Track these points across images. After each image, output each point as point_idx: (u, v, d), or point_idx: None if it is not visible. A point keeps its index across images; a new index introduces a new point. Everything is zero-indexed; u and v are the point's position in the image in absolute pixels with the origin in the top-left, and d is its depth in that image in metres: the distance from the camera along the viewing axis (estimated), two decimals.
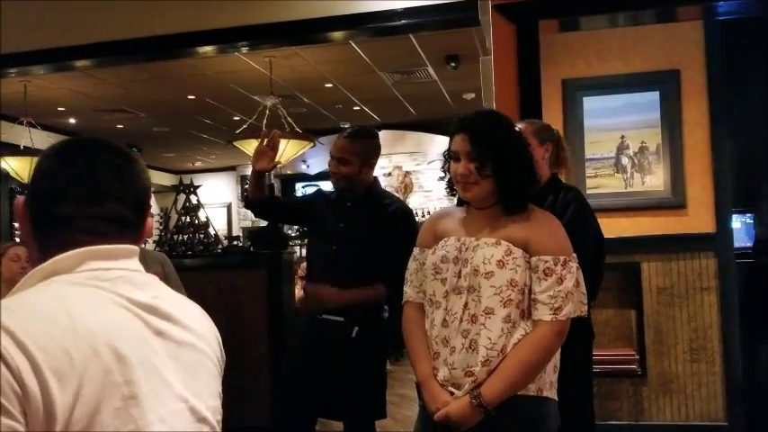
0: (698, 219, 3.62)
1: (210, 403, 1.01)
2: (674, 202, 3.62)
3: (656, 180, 3.66)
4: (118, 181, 1.02)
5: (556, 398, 1.79)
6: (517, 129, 1.90)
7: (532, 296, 1.72)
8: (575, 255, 1.75)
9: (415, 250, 1.94)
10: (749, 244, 4.21)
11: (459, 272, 1.75)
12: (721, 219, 3.61)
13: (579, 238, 2.05)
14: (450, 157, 1.83)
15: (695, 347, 3.62)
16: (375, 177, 2.77)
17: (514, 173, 1.75)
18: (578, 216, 2.29)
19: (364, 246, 2.57)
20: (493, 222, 1.80)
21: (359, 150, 2.62)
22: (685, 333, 3.63)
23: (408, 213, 2.71)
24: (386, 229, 2.58)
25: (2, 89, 4.84)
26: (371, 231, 2.58)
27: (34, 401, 0.79)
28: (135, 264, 1.01)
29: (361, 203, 2.68)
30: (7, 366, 0.78)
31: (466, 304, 1.72)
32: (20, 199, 1.11)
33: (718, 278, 3.59)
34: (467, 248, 1.77)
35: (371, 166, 2.70)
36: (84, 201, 0.99)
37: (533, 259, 1.72)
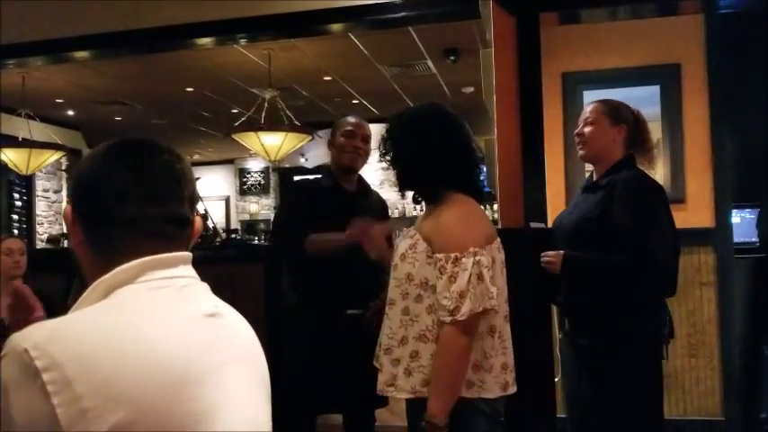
0: (697, 214, 3.61)
1: (269, 419, 1.00)
2: (674, 196, 3.60)
3: (655, 174, 3.64)
4: (173, 180, 0.99)
5: (483, 396, 1.74)
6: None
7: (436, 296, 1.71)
8: (473, 249, 1.68)
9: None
10: (752, 239, 4.20)
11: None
12: (721, 214, 3.60)
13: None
14: None
15: (693, 342, 3.62)
16: None
17: (399, 166, 1.85)
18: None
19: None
20: (425, 213, 1.85)
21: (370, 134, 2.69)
22: (684, 328, 3.63)
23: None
24: (383, 215, 2.67)
25: (0, 81, 4.82)
26: (379, 217, 2.59)
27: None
28: (191, 270, 0.99)
29: (360, 190, 2.71)
30: (47, 397, 0.75)
31: (389, 296, 1.81)
32: (68, 207, 1.10)
33: (717, 273, 3.59)
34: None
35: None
36: (146, 201, 0.96)
37: (435, 256, 1.72)
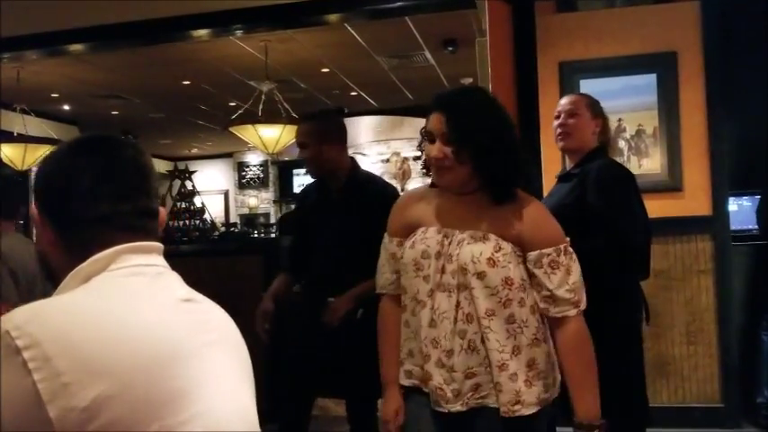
0: (694, 201, 3.61)
1: (253, 400, 1.04)
2: (671, 184, 3.61)
3: (652, 163, 3.65)
4: (141, 174, 1.03)
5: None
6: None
7: (544, 293, 1.60)
8: (568, 238, 1.66)
9: (385, 238, 1.78)
10: (750, 226, 4.20)
11: (443, 267, 1.60)
12: (718, 201, 3.61)
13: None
14: (425, 136, 1.66)
15: (692, 330, 3.63)
16: (353, 160, 2.66)
17: (497, 161, 1.58)
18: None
19: (358, 236, 2.45)
20: (477, 212, 1.63)
21: (313, 131, 2.54)
22: (682, 316, 3.64)
23: (395, 195, 2.53)
24: (377, 214, 2.47)
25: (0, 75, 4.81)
26: (363, 220, 2.44)
27: (61, 408, 0.79)
28: (164, 260, 1.03)
29: (346, 191, 2.59)
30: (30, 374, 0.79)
31: (458, 303, 1.59)
32: (33, 208, 1.09)
33: (715, 261, 3.60)
34: (450, 242, 1.62)
35: (336, 147, 2.57)
36: (117, 198, 0.99)
37: (533, 254, 1.59)
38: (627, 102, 3.65)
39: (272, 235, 10.41)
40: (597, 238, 2.19)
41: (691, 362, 3.64)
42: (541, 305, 1.62)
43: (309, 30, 5.45)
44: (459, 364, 1.58)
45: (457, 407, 1.60)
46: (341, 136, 2.60)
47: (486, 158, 1.56)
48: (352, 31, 5.79)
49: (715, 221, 3.60)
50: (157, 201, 1.07)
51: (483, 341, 1.58)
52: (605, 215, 2.18)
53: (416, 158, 1.94)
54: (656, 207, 3.62)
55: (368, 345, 1.89)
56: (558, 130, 2.42)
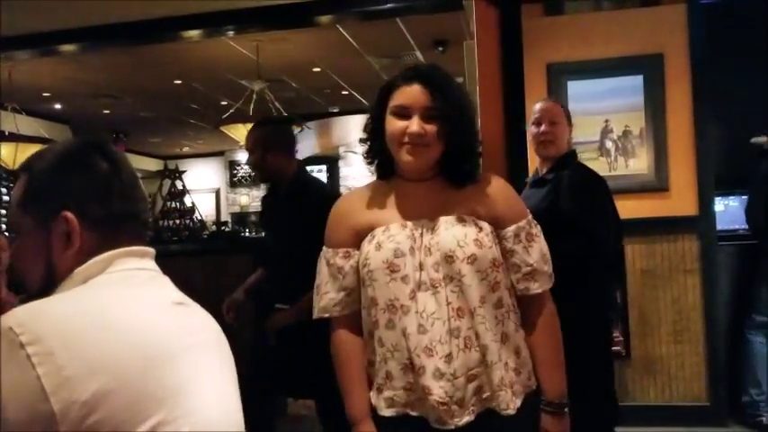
0: (681, 201, 3.66)
1: (238, 398, 1.08)
2: (658, 185, 3.66)
3: (639, 163, 3.69)
4: (136, 177, 1.08)
5: None
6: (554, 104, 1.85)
7: (525, 269, 1.49)
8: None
9: (327, 252, 1.55)
10: (736, 226, 4.25)
11: (421, 263, 1.43)
12: (704, 201, 3.65)
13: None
14: (388, 113, 1.47)
15: (679, 329, 3.67)
16: (299, 167, 2.75)
17: (469, 139, 1.49)
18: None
19: (299, 241, 2.50)
20: (441, 198, 1.49)
21: (257, 138, 2.65)
22: (669, 315, 3.68)
23: (333, 199, 2.65)
24: (314, 219, 2.52)
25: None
26: (302, 224, 2.43)
27: (63, 403, 0.82)
28: (155, 264, 1.07)
29: (289, 196, 2.68)
30: (34, 369, 0.82)
31: (447, 298, 1.42)
32: (69, 214, 1.09)
33: (701, 260, 3.64)
34: (422, 233, 1.45)
35: (279, 154, 2.65)
36: (138, 199, 1.06)
37: (510, 229, 1.49)
38: (614, 103, 3.69)
39: (263, 234, 10.41)
40: (572, 241, 2.23)
41: (677, 361, 3.68)
42: (520, 285, 1.51)
43: (301, 30, 5.47)
44: (460, 368, 1.40)
45: (465, 419, 1.42)
46: (285, 144, 2.70)
47: (461, 136, 1.46)
48: (344, 32, 5.81)
49: (701, 221, 3.64)
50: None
51: (477, 335, 1.42)
52: (579, 219, 2.23)
53: (362, 141, 1.30)
54: (642, 207, 3.68)
55: (318, 344, 1.88)
56: (542, 138, 2.46)
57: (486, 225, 1.47)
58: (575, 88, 3.71)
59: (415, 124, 1.42)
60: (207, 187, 12.62)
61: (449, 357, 1.40)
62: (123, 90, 7.74)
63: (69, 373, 0.82)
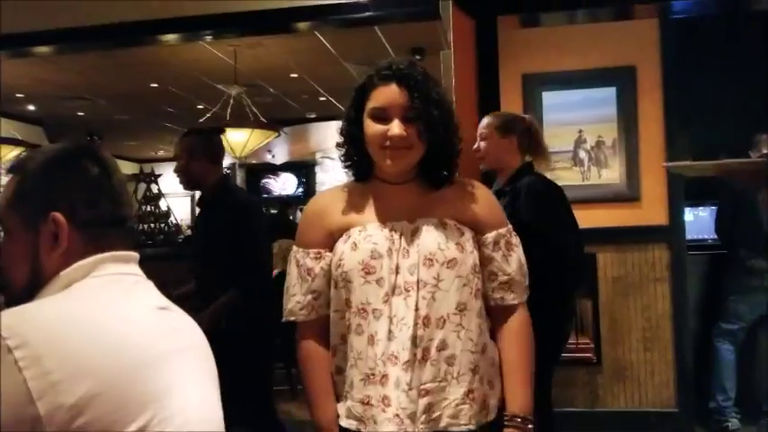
0: (652, 211, 3.73)
1: (219, 404, 1.09)
2: (629, 194, 3.73)
3: (611, 173, 3.76)
4: (122, 187, 1.10)
5: None
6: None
7: (502, 278, 1.45)
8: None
9: (297, 253, 1.48)
10: (705, 236, 4.34)
11: (398, 266, 1.37)
12: (674, 211, 3.73)
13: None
14: (365, 116, 1.40)
15: (648, 336, 3.74)
16: (224, 175, 2.89)
17: (449, 139, 1.43)
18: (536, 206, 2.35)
19: (214, 248, 2.63)
20: (420, 200, 1.44)
21: (184, 146, 2.79)
22: (639, 322, 3.75)
23: (245, 206, 2.78)
24: (226, 226, 2.64)
25: None
26: (218, 231, 2.65)
27: (49, 407, 0.83)
28: (138, 269, 1.08)
29: (209, 204, 2.79)
30: (20, 372, 0.83)
31: (416, 304, 1.35)
32: (59, 215, 1.09)
33: (671, 269, 3.71)
34: (401, 235, 1.39)
35: (203, 162, 2.78)
36: (126, 203, 1.08)
37: (490, 235, 1.45)
38: (587, 114, 3.76)
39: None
40: (531, 251, 2.26)
41: (647, 367, 3.75)
42: (496, 294, 1.46)
43: (279, 36, 5.47)
44: (414, 379, 1.34)
45: None
46: (209, 153, 2.81)
47: (442, 136, 1.39)
48: (322, 38, 5.82)
49: (671, 231, 3.72)
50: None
51: (442, 348, 1.35)
52: (537, 229, 2.25)
53: (339, 146, 1.42)
54: (614, 216, 3.74)
55: (232, 354, 1.85)
56: (475, 154, 2.53)
57: (467, 230, 1.43)
58: (549, 99, 3.77)
59: (396, 127, 1.35)
60: (182, 191, 12.49)
61: (407, 366, 1.34)
62: (99, 92, 7.66)
63: (56, 378, 0.83)
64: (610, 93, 3.75)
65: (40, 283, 1.00)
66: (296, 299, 1.47)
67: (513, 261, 1.46)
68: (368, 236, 1.40)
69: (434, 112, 1.37)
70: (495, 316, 1.49)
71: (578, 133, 3.77)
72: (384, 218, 1.42)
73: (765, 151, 3.65)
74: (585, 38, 3.77)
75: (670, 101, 3.73)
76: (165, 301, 1.07)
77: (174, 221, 5.01)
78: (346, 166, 1.50)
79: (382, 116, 1.37)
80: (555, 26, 3.70)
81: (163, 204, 4.97)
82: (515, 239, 1.49)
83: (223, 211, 2.68)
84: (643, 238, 3.73)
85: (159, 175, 5.18)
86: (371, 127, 1.38)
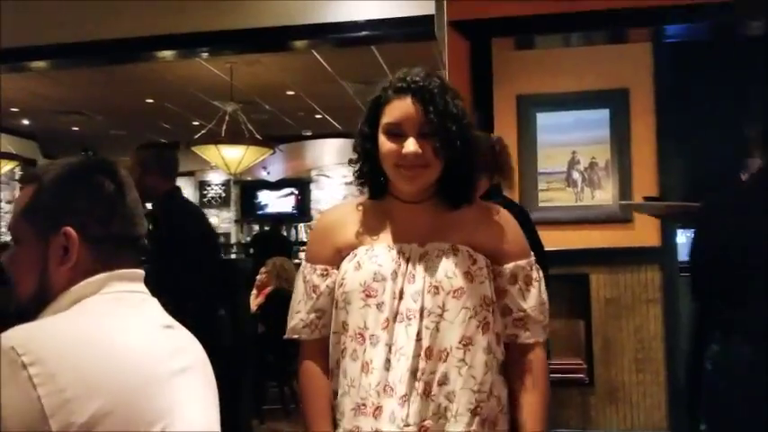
0: (644, 232, 3.75)
1: (218, 421, 1.09)
2: (622, 216, 3.75)
3: (604, 194, 3.78)
4: (136, 206, 1.10)
5: None
6: None
7: (517, 314, 1.36)
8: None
9: (305, 268, 1.42)
10: None
11: (402, 291, 1.29)
12: (667, 233, 3.74)
13: None
14: (380, 131, 1.32)
15: (641, 357, 3.74)
16: (174, 188, 3.03)
17: (467, 156, 1.32)
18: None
19: (163, 258, 2.70)
20: (435, 221, 1.35)
21: (137, 160, 2.96)
22: (631, 343, 3.75)
23: (190, 214, 2.98)
24: (171, 237, 2.79)
25: None
26: (166, 240, 2.77)
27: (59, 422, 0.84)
28: (144, 287, 1.09)
29: (158, 216, 2.93)
30: (35, 389, 0.84)
31: (417, 334, 1.26)
32: (70, 230, 0.98)
33: (663, 290, 3.72)
34: (408, 258, 1.31)
35: (154, 176, 2.93)
36: (138, 221, 1.09)
37: (508, 266, 1.35)
38: (581, 135, 3.79)
39: (233, 255, 10.32)
40: None
41: (639, 389, 3.74)
42: (509, 330, 1.37)
43: (276, 54, 5.50)
44: (413, 415, 1.24)
45: None
46: (161, 166, 2.98)
47: (460, 153, 1.29)
48: (318, 57, 5.87)
49: (664, 252, 3.73)
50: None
51: (443, 382, 1.26)
52: None
53: (352, 163, 1.44)
54: (607, 237, 3.76)
55: None
56: None
57: (481, 258, 1.32)
58: (543, 120, 3.80)
59: (411, 144, 1.26)
60: None
61: (404, 400, 1.24)
62: (93, 107, 7.68)
63: (69, 395, 0.84)
64: (603, 115, 3.78)
65: (47, 296, 1.01)
66: (300, 316, 1.41)
67: (532, 297, 1.36)
68: (374, 256, 1.32)
69: (452, 127, 1.26)
70: (510, 353, 1.39)
71: (572, 154, 3.80)
72: (394, 238, 1.34)
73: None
74: (580, 60, 3.82)
75: (663, 124, 3.77)
76: (169, 320, 1.08)
77: None
78: (360, 184, 1.40)
79: (397, 132, 1.28)
80: (549, 48, 3.74)
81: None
82: (537, 273, 1.38)
83: (170, 221, 2.84)
84: (636, 259, 3.75)
85: None
86: (385, 144, 1.30)
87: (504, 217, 1.40)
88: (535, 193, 3.80)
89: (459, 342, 1.27)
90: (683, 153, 4.12)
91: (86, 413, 0.84)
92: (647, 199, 3.41)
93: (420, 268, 1.30)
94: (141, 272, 1.08)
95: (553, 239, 3.72)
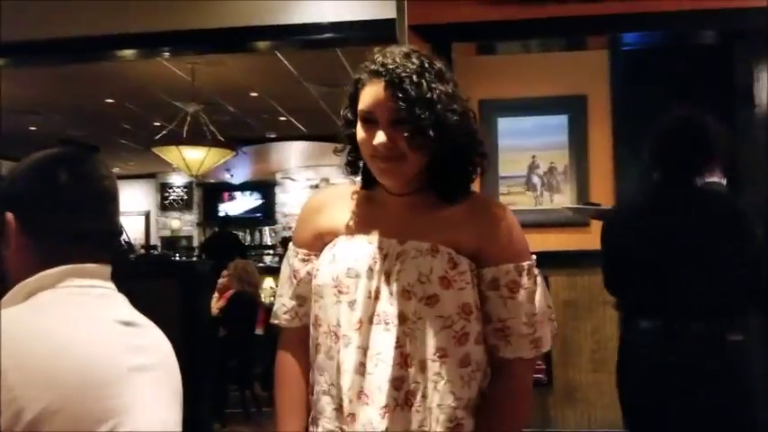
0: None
1: (179, 425, 1.08)
2: (580, 219, 3.82)
3: (563, 199, 3.86)
4: (111, 196, 1.10)
5: None
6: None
7: (496, 324, 1.22)
8: (534, 256, 1.29)
9: (290, 251, 1.34)
10: None
11: (378, 291, 1.18)
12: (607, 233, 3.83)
13: None
14: (356, 119, 1.21)
15: (597, 358, 3.82)
16: None
17: (457, 145, 1.19)
18: None
19: None
20: (422, 217, 1.23)
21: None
22: (588, 344, 3.82)
23: None
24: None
25: None
26: None
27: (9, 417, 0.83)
28: (110, 281, 1.07)
29: None
30: None
31: (397, 340, 1.15)
32: (9, 215, 0.98)
33: None
34: (386, 256, 1.19)
35: None
36: (95, 215, 1.06)
37: (490, 270, 1.21)
38: (540, 140, 3.86)
39: (194, 258, 10.21)
40: None
41: (596, 389, 3.82)
42: (490, 341, 1.23)
43: (239, 54, 5.47)
44: (392, 426, 1.14)
45: None
46: None
47: (446, 142, 1.17)
48: (282, 59, 5.85)
49: None
50: (119, 221, 1.14)
51: (424, 395, 1.16)
52: None
53: (338, 152, 1.32)
54: (565, 240, 3.83)
55: None
56: None
57: (464, 261, 1.19)
58: (504, 125, 3.86)
59: (380, 136, 1.15)
60: (136, 210, 12.31)
61: (385, 411, 1.14)
62: (51, 107, 7.52)
63: (17, 393, 0.84)
64: (562, 120, 3.86)
65: (4, 282, 1.01)
66: (282, 300, 1.33)
67: (516, 306, 1.20)
68: (350, 249, 1.22)
69: (423, 114, 1.12)
70: (493, 368, 1.25)
71: (532, 159, 3.87)
72: (377, 231, 1.22)
73: (709, 180, 3.79)
74: (540, 67, 3.89)
75: (619, 129, 3.86)
76: (134, 316, 1.06)
77: (127, 239, 4.94)
78: (350, 173, 1.31)
79: (370, 119, 1.17)
80: (510, 55, 3.80)
81: None
82: (526, 280, 1.22)
83: None
84: (593, 262, 3.78)
85: None
86: (360, 133, 1.19)
87: (497, 212, 1.25)
88: (496, 196, 3.85)
89: (434, 354, 1.16)
90: (640, 159, 4.22)
91: (35, 410, 0.84)
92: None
93: (397, 267, 1.18)
94: (104, 267, 1.06)
95: None
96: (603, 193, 3.82)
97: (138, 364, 1.00)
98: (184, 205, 12.32)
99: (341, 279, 1.20)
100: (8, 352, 0.86)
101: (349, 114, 1.25)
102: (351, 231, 1.25)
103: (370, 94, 1.17)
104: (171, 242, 11.57)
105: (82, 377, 0.91)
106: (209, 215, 11.89)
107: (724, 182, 3.79)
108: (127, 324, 1.03)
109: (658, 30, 2.75)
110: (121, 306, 1.07)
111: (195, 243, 11.52)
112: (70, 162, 1.06)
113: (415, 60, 1.17)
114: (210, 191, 11.96)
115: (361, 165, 1.28)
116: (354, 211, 1.28)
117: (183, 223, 12.30)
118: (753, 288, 2.02)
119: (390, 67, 1.15)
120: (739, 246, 2.00)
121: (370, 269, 1.19)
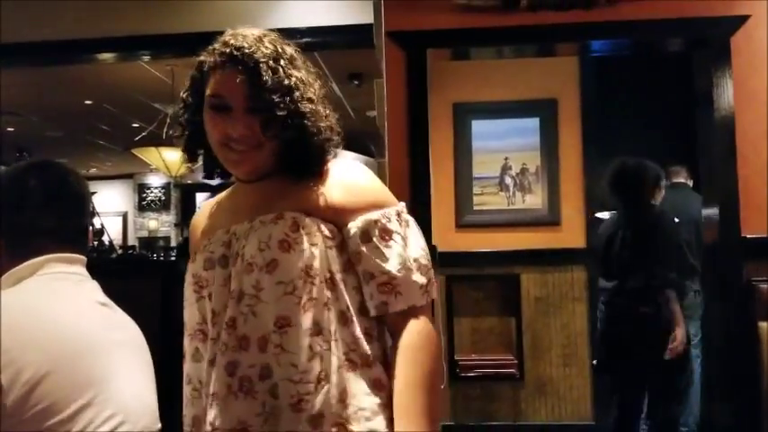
0: (571, 234, 3.97)
1: (155, 396, 1.24)
2: (551, 219, 3.96)
3: (534, 199, 3.99)
4: (78, 197, 1.26)
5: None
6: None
7: (380, 278, 1.08)
8: (402, 203, 1.17)
9: (189, 265, 1.18)
10: None
11: (229, 276, 1.08)
12: (592, 235, 3.96)
13: None
14: (200, 104, 1.13)
15: (567, 353, 3.95)
16: None
17: (311, 129, 1.11)
18: None
19: None
20: (275, 195, 1.13)
21: None
22: (559, 339, 3.96)
23: None
24: None
25: None
26: None
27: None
28: (84, 270, 1.22)
29: None
30: None
31: (233, 321, 1.05)
32: None
33: (588, 289, 3.95)
34: (238, 239, 1.10)
35: None
36: (64, 214, 1.21)
37: (352, 224, 1.09)
38: (513, 142, 3.99)
39: (172, 258, 10.20)
40: None
41: (566, 382, 3.95)
42: (376, 299, 1.09)
43: None
44: (227, 420, 1.02)
45: None
46: None
47: (301, 130, 1.10)
48: None
49: (589, 253, 3.95)
50: (89, 220, 1.29)
51: (266, 375, 1.02)
52: None
53: (175, 136, 1.24)
54: (537, 239, 3.96)
55: None
56: None
57: (309, 221, 1.08)
58: (478, 127, 3.98)
59: (238, 125, 1.07)
60: (114, 210, 12.26)
61: (225, 401, 1.03)
62: (29, 108, 7.48)
63: (13, 355, 0.98)
64: (534, 123, 3.99)
65: None
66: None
67: (394, 253, 1.08)
68: (207, 245, 1.14)
69: (282, 102, 1.07)
70: (390, 332, 1.13)
71: (504, 160, 3.99)
72: (233, 220, 1.14)
73: (675, 180, 3.95)
74: (512, 71, 4.02)
75: (588, 132, 4.00)
76: (107, 300, 1.22)
77: (108, 239, 4.98)
78: (188, 161, 1.23)
79: (221, 105, 1.09)
80: (484, 59, 3.92)
81: (97, 222, 4.92)
82: (397, 225, 1.11)
83: None
84: (563, 260, 3.96)
85: (93, 193, 5.11)
86: (210, 120, 1.11)
87: (352, 170, 1.16)
88: (470, 197, 3.97)
89: (275, 325, 1.03)
90: (608, 160, 4.36)
91: (29, 371, 0.98)
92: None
93: (242, 246, 1.09)
94: (81, 257, 1.21)
95: (486, 241, 3.92)
96: (573, 193, 3.96)
97: (118, 339, 1.17)
98: (162, 206, 12.30)
99: (199, 274, 1.12)
100: (5, 328, 0.99)
101: (191, 98, 1.16)
102: (212, 230, 1.17)
103: (223, 78, 1.08)
104: (148, 243, 11.54)
105: (70, 345, 1.05)
106: (186, 216, 11.88)
107: (690, 182, 3.96)
108: (103, 305, 1.20)
109: (624, 38, 2.87)
110: (97, 290, 1.22)
111: (173, 244, 11.51)
112: (40, 168, 1.23)
113: (268, 45, 1.11)
114: (188, 191, 11.95)
115: (200, 153, 1.20)
116: (215, 212, 1.23)
117: (161, 224, 12.27)
118: (679, 267, 3.11)
119: (247, 51, 1.07)
120: (667, 243, 3.07)
121: (224, 256, 1.10)
